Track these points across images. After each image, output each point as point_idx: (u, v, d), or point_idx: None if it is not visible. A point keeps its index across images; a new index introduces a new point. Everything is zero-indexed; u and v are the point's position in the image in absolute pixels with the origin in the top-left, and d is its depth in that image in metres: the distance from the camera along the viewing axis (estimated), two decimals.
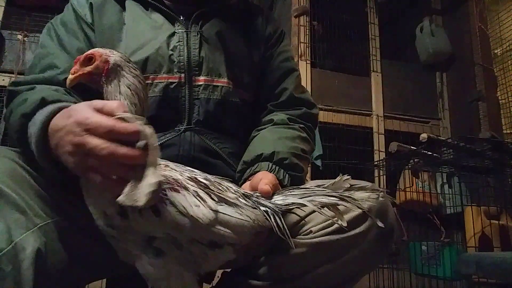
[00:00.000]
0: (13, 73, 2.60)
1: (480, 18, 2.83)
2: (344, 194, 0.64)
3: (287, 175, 0.79)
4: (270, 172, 0.77)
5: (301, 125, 0.94)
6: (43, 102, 0.65)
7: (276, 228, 0.61)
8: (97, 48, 0.69)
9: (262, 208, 0.63)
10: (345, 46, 2.96)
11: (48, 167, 0.63)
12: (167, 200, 0.57)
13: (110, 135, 0.52)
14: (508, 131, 2.65)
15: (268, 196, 0.67)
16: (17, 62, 2.61)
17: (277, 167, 0.78)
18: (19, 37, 2.68)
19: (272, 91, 0.98)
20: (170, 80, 0.86)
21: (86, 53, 0.68)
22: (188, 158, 0.84)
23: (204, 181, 0.62)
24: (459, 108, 2.95)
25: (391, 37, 3.39)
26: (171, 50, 0.88)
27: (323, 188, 0.68)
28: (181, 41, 0.89)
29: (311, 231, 0.72)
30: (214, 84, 0.89)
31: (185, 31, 0.90)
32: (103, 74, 0.66)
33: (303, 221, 0.73)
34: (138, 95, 0.66)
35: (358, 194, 0.65)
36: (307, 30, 2.85)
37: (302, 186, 0.70)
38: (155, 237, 0.58)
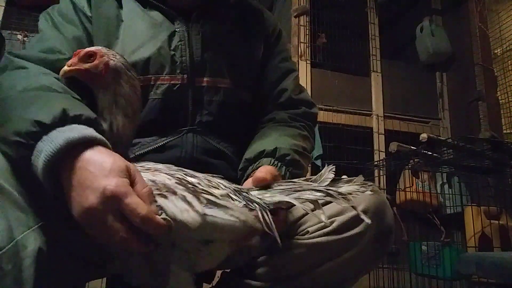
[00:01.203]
0: None
1: (480, 18, 2.83)
2: (331, 189, 0.63)
3: (288, 172, 0.78)
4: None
5: (302, 124, 0.93)
6: (64, 116, 0.58)
7: (264, 225, 0.60)
8: (101, 47, 0.67)
9: (251, 205, 0.62)
10: (345, 46, 2.97)
11: (46, 186, 0.57)
12: (156, 206, 0.56)
13: (144, 223, 0.52)
14: (508, 131, 2.65)
15: (265, 182, 0.66)
16: None
17: (278, 163, 0.77)
18: (19, 37, 2.67)
19: (271, 92, 0.97)
20: (173, 82, 0.84)
21: (87, 49, 0.66)
22: (190, 160, 0.82)
23: (193, 180, 0.62)
24: (459, 108, 2.95)
25: (391, 37, 3.40)
26: (173, 50, 0.86)
27: (310, 181, 0.67)
28: (183, 41, 0.87)
29: (307, 231, 0.72)
30: (217, 85, 0.88)
31: (186, 30, 0.88)
32: (102, 77, 0.64)
33: (300, 221, 0.73)
34: (131, 107, 0.65)
35: (345, 188, 0.64)
36: (307, 30, 2.86)
37: (290, 180, 0.69)
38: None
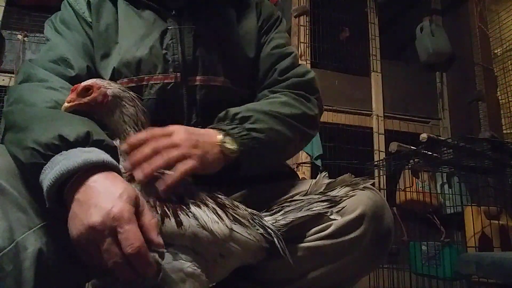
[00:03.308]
0: (13, 73, 2.60)
1: (480, 18, 2.83)
2: (333, 196, 0.72)
3: (240, 129, 0.72)
4: (220, 129, 0.73)
5: (283, 93, 0.87)
6: (87, 138, 0.60)
7: (281, 250, 0.67)
8: (95, 80, 0.70)
9: (267, 230, 0.69)
10: (345, 46, 2.97)
11: (47, 199, 0.58)
12: (190, 213, 0.62)
13: (133, 256, 0.53)
14: (508, 131, 2.65)
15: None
16: (17, 62, 2.61)
17: (228, 122, 0.74)
18: (19, 37, 2.68)
19: (264, 80, 0.92)
20: (166, 81, 0.83)
21: (83, 83, 0.68)
22: None
23: (220, 197, 0.69)
24: (459, 108, 2.95)
25: (391, 37, 3.40)
26: (165, 49, 0.84)
27: (309, 192, 0.74)
28: (174, 39, 0.85)
29: (305, 235, 0.72)
30: (211, 83, 0.86)
31: (178, 28, 0.86)
32: (103, 106, 0.68)
33: (297, 226, 0.73)
34: (140, 121, 0.70)
35: (343, 190, 0.72)
36: (307, 30, 2.86)
37: (295, 199, 0.74)
38: (171, 244, 0.61)
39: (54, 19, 0.89)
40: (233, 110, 0.76)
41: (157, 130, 0.67)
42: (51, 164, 0.57)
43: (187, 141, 0.66)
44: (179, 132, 0.68)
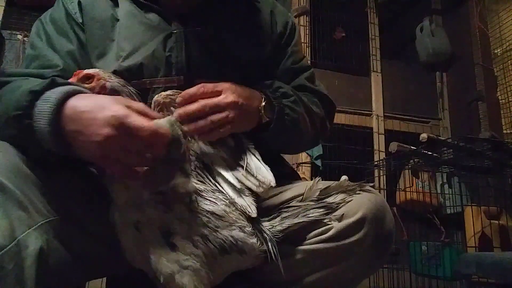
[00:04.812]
0: None
1: (480, 18, 2.84)
2: (330, 203, 0.72)
3: (278, 103, 0.80)
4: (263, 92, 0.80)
5: (311, 95, 0.93)
6: (53, 83, 0.63)
7: (273, 256, 0.68)
8: (98, 70, 0.71)
9: (262, 235, 0.70)
10: (345, 46, 2.97)
11: (56, 149, 0.61)
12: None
13: (151, 135, 0.58)
14: (508, 131, 2.65)
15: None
16: (17, 62, 2.61)
17: (268, 92, 0.81)
18: (19, 37, 2.68)
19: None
20: (168, 85, 0.81)
21: (86, 71, 0.70)
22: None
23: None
24: (459, 108, 2.95)
25: (391, 37, 3.40)
26: (168, 51, 0.82)
27: (306, 202, 0.74)
28: (179, 42, 0.83)
29: (305, 238, 0.72)
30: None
31: (183, 31, 0.84)
32: None
33: (298, 228, 0.72)
34: None
35: (337, 198, 0.72)
36: (307, 30, 2.86)
37: (291, 205, 0.74)
38: (172, 233, 0.63)
39: (44, 18, 0.87)
40: (278, 83, 0.85)
41: (209, 87, 0.72)
42: (37, 116, 0.60)
43: (232, 105, 0.72)
44: (227, 94, 0.73)
